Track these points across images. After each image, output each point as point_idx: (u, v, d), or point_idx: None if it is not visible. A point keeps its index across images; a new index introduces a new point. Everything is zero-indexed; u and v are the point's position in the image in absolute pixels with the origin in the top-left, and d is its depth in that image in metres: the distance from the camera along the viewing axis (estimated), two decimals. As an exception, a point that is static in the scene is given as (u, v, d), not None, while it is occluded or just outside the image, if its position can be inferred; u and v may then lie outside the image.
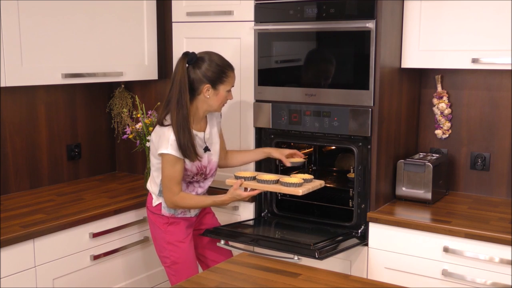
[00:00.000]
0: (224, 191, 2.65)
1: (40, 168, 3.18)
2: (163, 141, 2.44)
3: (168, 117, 2.46)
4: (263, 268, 2.09)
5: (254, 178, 2.59)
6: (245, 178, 2.57)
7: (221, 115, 2.72)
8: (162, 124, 2.46)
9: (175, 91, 2.42)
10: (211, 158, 2.61)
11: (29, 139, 3.11)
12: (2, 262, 2.34)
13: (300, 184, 2.51)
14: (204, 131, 2.57)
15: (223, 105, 2.56)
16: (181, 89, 2.41)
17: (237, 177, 2.59)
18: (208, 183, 2.66)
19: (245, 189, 2.56)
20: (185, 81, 2.42)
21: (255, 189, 2.54)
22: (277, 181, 2.56)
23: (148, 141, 3.03)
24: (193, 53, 2.47)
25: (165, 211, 2.59)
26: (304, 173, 2.90)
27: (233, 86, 2.54)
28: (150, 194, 2.65)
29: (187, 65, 2.45)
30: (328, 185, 2.88)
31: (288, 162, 2.73)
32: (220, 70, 2.46)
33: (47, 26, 2.76)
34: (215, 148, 2.63)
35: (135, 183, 3.33)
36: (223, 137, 2.76)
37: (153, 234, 2.68)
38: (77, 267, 2.66)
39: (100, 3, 3.00)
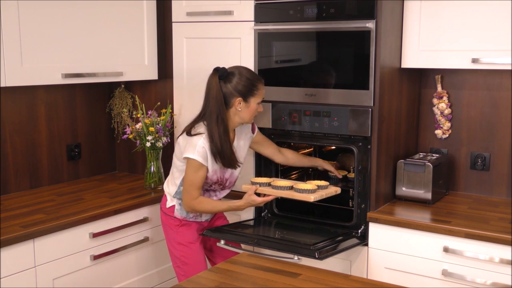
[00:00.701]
0: (239, 194, 2.67)
1: (40, 168, 3.18)
2: (190, 146, 2.49)
3: (197, 127, 2.51)
4: (263, 268, 2.09)
5: (269, 184, 2.61)
6: (260, 184, 2.60)
7: (254, 130, 2.75)
8: (189, 134, 2.52)
9: (213, 107, 2.49)
10: (234, 172, 2.64)
11: (29, 139, 3.11)
12: (2, 262, 2.34)
13: (313, 191, 2.52)
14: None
15: (254, 116, 2.61)
16: (218, 104, 2.49)
17: (253, 183, 2.62)
18: (224, 194, 2.71)
19: (260, 195, 2.59)
20: (220, 96, 2.49)
21: (270, 195, 2.57)
22: (291, 187, 2.57)
23: (148, 141, 3.04)
24: (224, 68, 2.53)
25: (177, 213, 2.63)
26: (315, 177, 2.92)
27: (263, 98, 2.59)
28: (165, 195, 2.69)
29: (218, 80, 2.50)
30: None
31: (340, 174, 2.96)
32: (250, 84, 2.52)
33: (47, 26, 2.76)
34: (240, 162, 2.66)
35: (135, 183, 3.33)
36: (269, 140, 2.85)
37: (165, 234, 2.73)
38: (77, 267, 2.66)
39: (100, 3, 3.00)
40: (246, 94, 2.52)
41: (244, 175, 2.98)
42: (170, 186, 2.67)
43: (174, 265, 2.70)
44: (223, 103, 2.50)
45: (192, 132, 2.52)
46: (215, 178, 2.58)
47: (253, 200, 2.53)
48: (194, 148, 2.47)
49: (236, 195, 2.73)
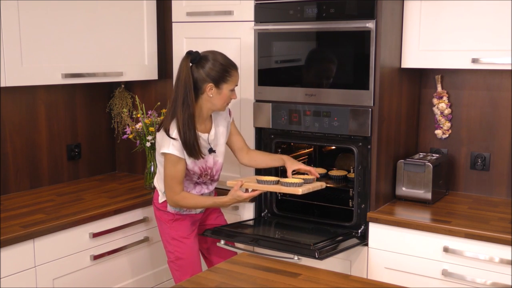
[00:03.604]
0: (225, 191, 2.66)
1: (40, 168, 3.18)
2: (165, 141, 2.46)
3: (173, 126, 2.44)
4: (263, 268, 2.09)
5: (276, 182, 2.58)
6: (267, 183, 2.56)
7: (230, 114, 2.71)
8: (167, 133, 2.44)
9: (181, 91, 2.44)
10: (217, 160, 2.62)
11: (29, 139, 3.11)
12: (2, 262, 2.34)
13: (300, 184, 2.51)
14: (208, 133, 2.58)
15: (227, 104, 2.56)
16: (186, 89, 2.43)
17: (258, 181, 2.57)
18: (214, 185, 2.69)
19: (246, 191, 2.56)
20: (190, 81, 2.43)
21: (256, 190, 2.55)
22: (277, 182, 2.56)
23: (148, 141, 3.04)
24: (197, 52, 2.48)
25: (170, 208, 2.62)
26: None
27: (236, 85, 2.55)
28: (157, 190, 2.68)
29: (190, 64, 2.46)
30: (328, 185, 2.88)
31: (290, 176, 2.64)
32: (223, 69, 2.47)
33: (47, 26, 2.76)
34: (220, 149, 2.64)
35: (135, 183, 3.33)
36: (241, 134, 2.77)
37: (159, 229, 2.72)
38: (77, 267, 2.66)
39: (100, 3, 3.00)
40: (218, 80, 2.46)
41: (244, 176, 2.98)
42: (159, 183, 2.65)
43: (168, 260, 2.69)
44: (192, 88, 2.43)
45: (171, 134, 2.44)
46: (197, 170, 2.55)
47: (239, 196, 2.51)
48: (169, 142, 2.44)
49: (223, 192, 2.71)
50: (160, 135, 2.52)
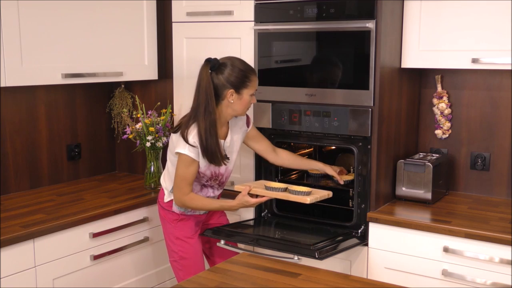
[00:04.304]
0: (230, 191, 2.66)
1: (40, 168, 3.18)
2: (182, 141, 2.46)
3: (191, 132, 2.44)
4: (263, 268, 2.09)
5: (285, 190, 2.58)
6: (275, 189, 2.57)
7: (249, 124, 2.70)
8: (185, 140, 2.45)
9: (202, 99, 2.45)
10: (228, 166, 2.62)
11: (29, 139, 3.11)
12: (2, 262, 2.34)
13: (308, 193, 2.52)
14: (224, 139, 2.58)
15: (248, 108, 2.57)
16: (208, 96, 2.44)
17: (266, 187, 2.59)
18: (220, 191, 2.71)
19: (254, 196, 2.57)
20: (210, 88, 2.44)
21: (264, 196, 2.55)
22: (285, 189, 2.57)
23: (148, 141, 3.04)
24: (215, 59, 2.48)
25: (175, 208, 2.62)
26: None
27: (256, 89, 2.55)
28: (163, 189, 2.68)
29: (210, 71, 2.46)
30: (328, 185, 2.88)
31: (341, 180, 2.78)
32: (243, 75, 2.48)
33: (47, 26, 2.76)
34: (233, 157, 2.64)
35: (135, 183, 3.33)
36: (264, 136, 2.80)
37: (163, 228, 2.72)
38: (77, 267, 2.66)
39: (100, 3, 3.00)
40: (238, 86, 2.47)
41: (244, 177, 2.98)
42: (167, 181, 2.65)
43: (171, 259, 2.69)
44: (213, 95, 2.45)
45: (189, 141, 2.45)
46: (208, 173, 2.56)
47: (246, 201, 2.53)
48: (186, 143, 2.45)
49: (230, 194, 2.72)
50: (177, 136, 2.52)
